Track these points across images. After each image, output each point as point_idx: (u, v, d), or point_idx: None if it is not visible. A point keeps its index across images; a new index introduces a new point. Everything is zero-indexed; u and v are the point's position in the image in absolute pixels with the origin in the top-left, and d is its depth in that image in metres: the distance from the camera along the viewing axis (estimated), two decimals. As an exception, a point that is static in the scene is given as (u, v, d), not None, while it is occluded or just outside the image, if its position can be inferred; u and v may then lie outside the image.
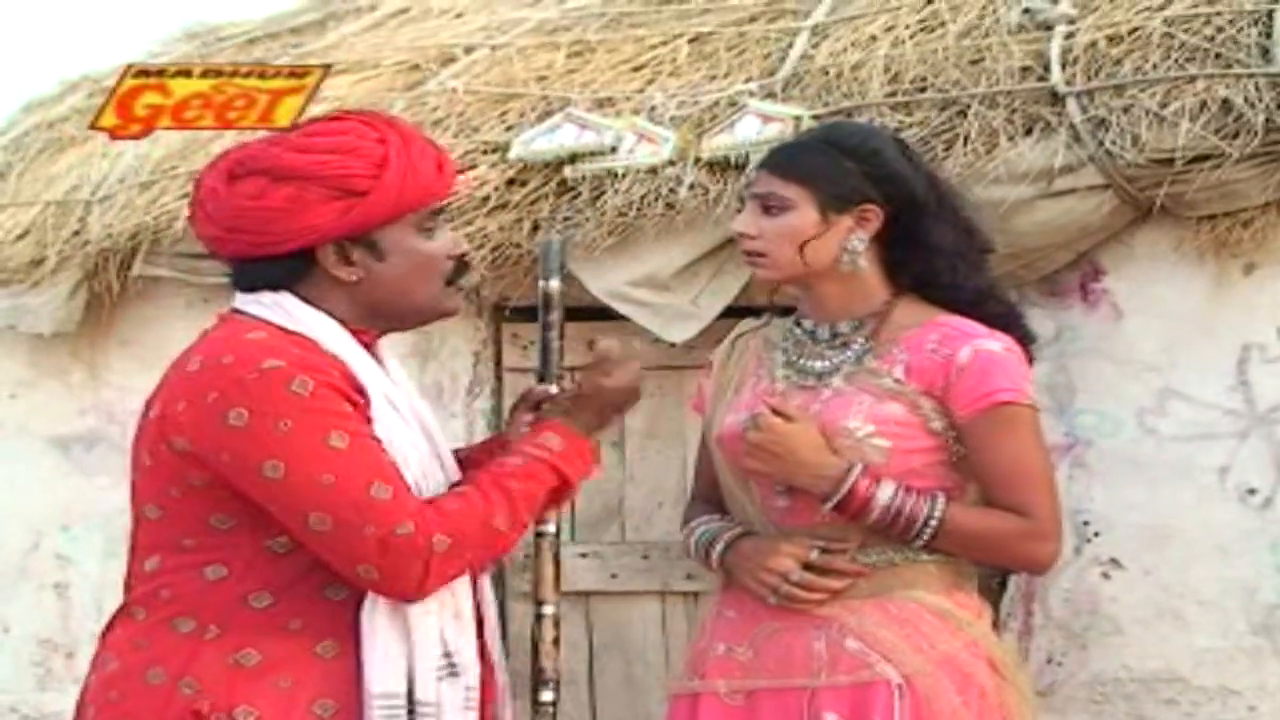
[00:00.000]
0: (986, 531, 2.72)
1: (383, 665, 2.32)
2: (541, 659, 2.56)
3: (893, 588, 2.72)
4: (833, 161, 2.74)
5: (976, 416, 2.69)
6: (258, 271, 2.41)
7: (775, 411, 2.69)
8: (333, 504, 2.25)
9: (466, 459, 2.59)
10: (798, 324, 2.84)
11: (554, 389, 2.62)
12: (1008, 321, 2.81)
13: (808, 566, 2.70)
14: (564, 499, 2.49)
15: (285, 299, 2.39)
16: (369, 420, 2.34)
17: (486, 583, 2.53)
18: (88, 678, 2.43)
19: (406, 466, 2.35)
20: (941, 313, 2.76)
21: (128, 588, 2.43)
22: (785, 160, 2.78)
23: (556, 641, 2.58)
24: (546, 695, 2.56)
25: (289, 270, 2.39)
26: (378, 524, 2.25)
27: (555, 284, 2.66)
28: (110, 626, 2.43)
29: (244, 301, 2.43)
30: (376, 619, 2.32)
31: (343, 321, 2.40)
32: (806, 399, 2.74)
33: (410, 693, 2.34)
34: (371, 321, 2.44)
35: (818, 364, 2.78)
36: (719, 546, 2.78)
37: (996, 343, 2.74)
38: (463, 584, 2.41)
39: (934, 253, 2.77)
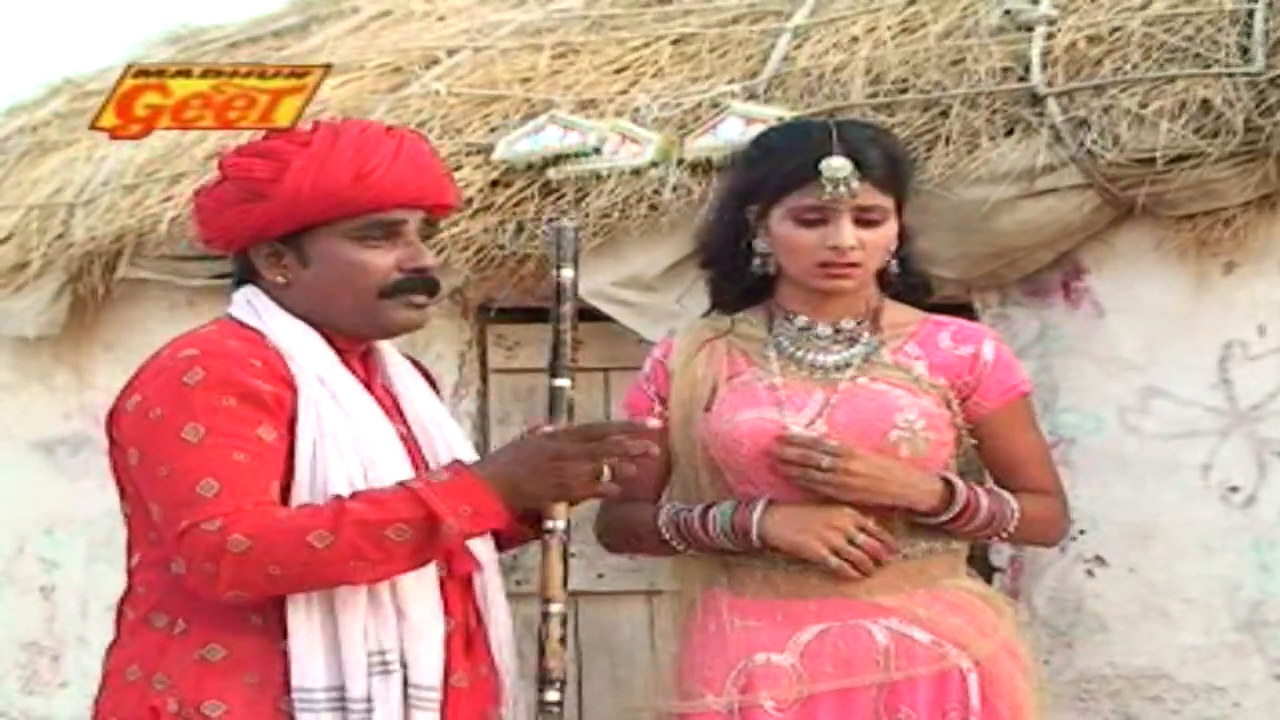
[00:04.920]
0: (1042, 515, 2.82)
1: (303, 660, 2.32)
2: (548, 658, 2.47)
3: (936, 577, 2.73)
4: (898, 166, 2.76)
5: (1003, 408, 2.76)
6: (235, 266, 2.52)
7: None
8: (162, 495, 2.28)
9: None
10: (787, 319, 2.81)
11: (564, 382, 2.50)
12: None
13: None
14: (449, 539, 2.31)
15: (257, 297, 2.45)
16: (289, 410, 2.33)
17: (490, 583, 2.50)
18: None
19: (338, 451, 2.33)
20: (922, 312, 2.80)
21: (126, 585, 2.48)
22: (880, 170, 2.70)
23: (563, 640, 2.49)
24: (552, 695, 2.47)
25: (241, 267, 2.49)
26: (190, 518, 2.24)
27: (568, 273, 2.53)
28: (115, 625, 2.48)
29: (233, 299, 2.51)
30: (299, 613, 2.33)
31: (316, 324, 2.43)
32: (826, 393, 2.73)
33: (342, 688, 2.34)
34: (327, 326, 2.45)
35: (828, 358, 2.76)
36: (757, 510, 2.68)
37: (996, 336, 2.86)
38: (416, 585, 2.36)
39: (906, 240, 2.82)
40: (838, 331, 2.77)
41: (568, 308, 2.53)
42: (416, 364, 2.71)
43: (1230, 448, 3.42)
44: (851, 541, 2.65)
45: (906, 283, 2.82)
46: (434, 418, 2.54)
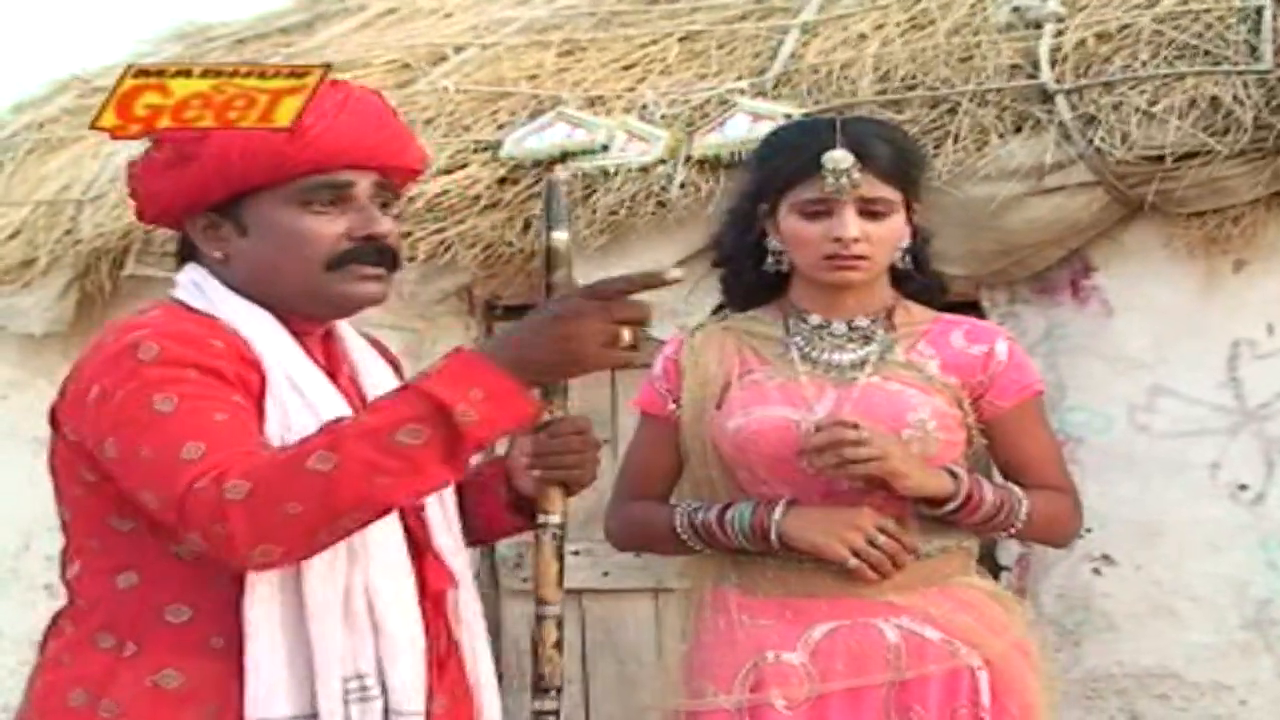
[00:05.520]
0: (1055, 512, 2.78)
1: (266, 686, 2.05)
2: (542, 664, 2.27)
3: (948, 575, 2.72)
4: (906, 160, 2.74)
5: (1017, 407, 2.74)
6: (177, 243, 2.28)
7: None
8: (151, 477, 2.00)
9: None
10: (800, 318, 2.80)
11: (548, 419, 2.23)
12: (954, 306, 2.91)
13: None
14: (473, 433, 1.97)
15: (204, 279, 2.20)
16: (249, 396, 2.08)
17: (465, 599, 2.28)
18: (24, 695, 2.23)
19: None
20: (935, 311, 2.79)
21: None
22: (884, 162, 2.69)
23: (559, 645, 2.29)
24: (547, 704, 2.29)
25: (183, 244, 2.25)
26: (183, 484, 1.95)
27: (560, 235, 2.24)
28: (45, 640, 2.24)
29: (177, 282, 2.26)
30: (259, 631, 2.05)
31: (266, 305, 2.17)
32: (843, 392, 2.72)
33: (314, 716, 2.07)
34: (277, 304, 2.18)
35: (844, 357, 2.75)
36: (777, 511, 2.65)
37: (1008, 335, 2.83)
38: (395, 599, 2.13)
39: (924, 241, 2.81)
40: (852, 330, 2.76)
41: (562, 274, 2.22)
42: (378, 345, 2.46)
43: (1238, 446, 3.42)
44: (872, 543, 2.64)
45: (920, 281, 2.81)
46: None
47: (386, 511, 2.03)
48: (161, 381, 2.02)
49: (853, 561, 2.64)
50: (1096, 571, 3.48)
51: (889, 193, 2.69)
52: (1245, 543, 3.41)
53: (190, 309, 2.17)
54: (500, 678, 3.99)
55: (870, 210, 2.68)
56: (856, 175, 2.67)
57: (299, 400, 2.12)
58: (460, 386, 1.96)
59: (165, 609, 2.09)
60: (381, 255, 2.19)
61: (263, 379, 2.10)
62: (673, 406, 2.83)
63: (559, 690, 2.30)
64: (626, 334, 2.04)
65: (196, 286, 2.20)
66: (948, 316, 2.80)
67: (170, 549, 2.07)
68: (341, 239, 2.16)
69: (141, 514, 2.06)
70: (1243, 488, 3.42)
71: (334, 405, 2.15)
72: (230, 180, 2.14)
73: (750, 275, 2.82)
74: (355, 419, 2.00)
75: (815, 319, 2.77)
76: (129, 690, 2.07)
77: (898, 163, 2.71)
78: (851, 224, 2.68)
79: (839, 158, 2.67)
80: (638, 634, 3.87)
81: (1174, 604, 3.44)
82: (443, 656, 2.23)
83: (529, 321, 2.05)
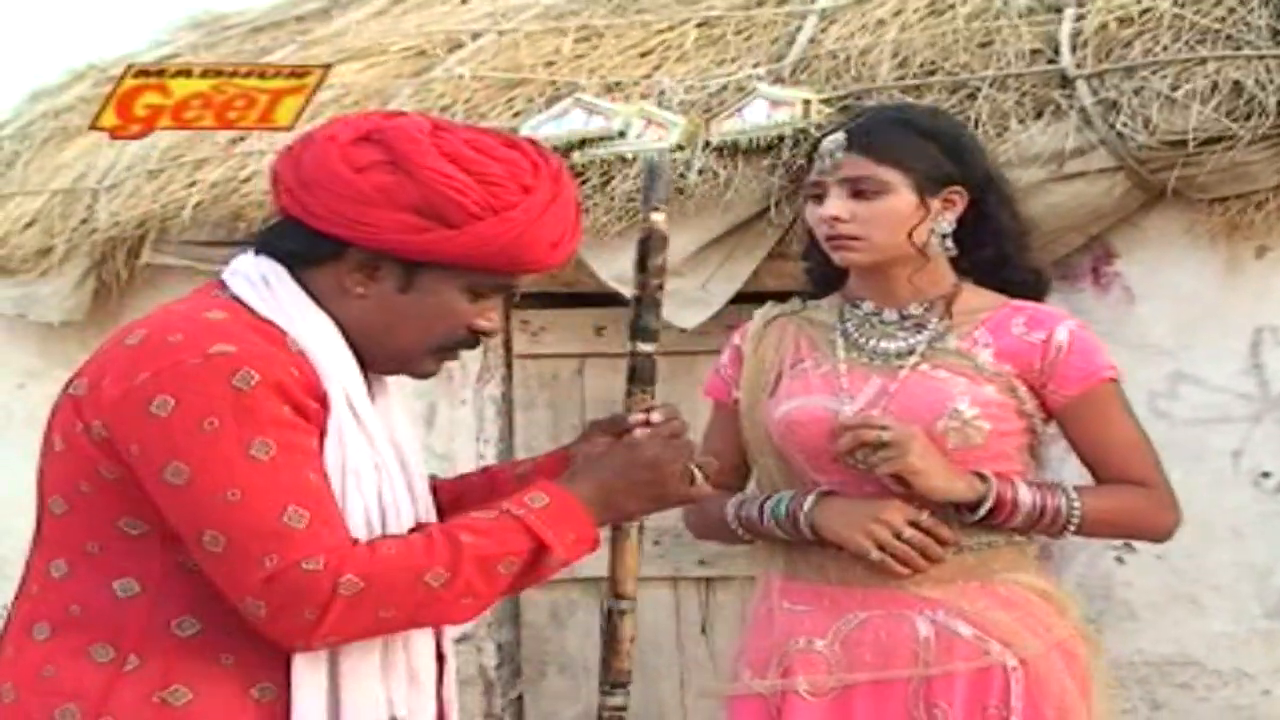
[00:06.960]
0: (1121, 510, 2.67)
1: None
2: (622, 659, 2.22)
3: (994, 570, 2.66)
4: (921, 143, 2.69)
5: (1084, 395, 2.65)
6: (284, 233, 2.06)
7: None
8: (232, 524, 1.90)
9: (461, 487, 2.30)
10: (854, 306, 2.77)
11: (650, 347, 2.17)
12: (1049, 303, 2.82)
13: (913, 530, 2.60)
14: (547, 570, 2.02)
15: (279, 279, 2.04)
16: (320, 432, 1.99)
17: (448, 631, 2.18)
18: None
19: (358, 485, 2.01)
20: (1004, 297, 2.73)
21: (24, 595, 2.06)
22: (877, 143, 2.65)
23: (633, 639, 2.25)
24: (618, 699, 2.25)
25: (310, 248, 2.04)
26: (282, 554, 1.88)
27: (660, 216, 2.15)
28: (0, 647, 2.05)
29: (230, 272, 2.08)
30: (306, 666, 1.98)
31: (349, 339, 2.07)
32: (886, 381, 2.69)
33: None
34: (358, 346, 2.07)
35: (891, 345, 2.71)
36: (808, 501, 2.63)
37: (1075, 322, 2.71)
38: (423, 639, 2.09)
39: (1004, 237, 2.75)
40: (904, 318, 2.72)
41: (661, 259, 2.14)
42: None
43: (1261, 433, 3.40)
44: (899, 536, 2.61)
45: (1018, 277, 2.75)
46: (414, 444, 2.20)
47: (441, 624, 2.08)
48: (263, 420, 1.92)
49: (875, 554, 2.60)
50: (1119, 560, 3.47)
51: (881, 172, 2.65)
52: (1267, 530, 3.40)
53: (254, 313, 2.01)
54: (521, 666, 4.02)
55: (858, 190, 2.66)
56: (840, 156, 2.65)
57: (357, 429, 2.03)
58: (563, 531, 2.02)
59: (172, 621, 1.97)
60: (473, 345, 2.15)
61: (326, 413, 2.00)
62: (736, 393, 2.81)
63: (628, 686, 2.27)
64: (698, 472, 2.12)
65: (266, 285, 2.04)
66: (1015, 302, 2.71)
67: (178, 559, 1.96)
68: (463, 327, 2.10)
69: (155, 521, 1.95)
70: (1265, 475, 3.40)
71: (384, 438, 2.08)
72: (463, 259, 2.03)
73: (818, 263, 2.81)
74: (471, 539, 1.98)
75: (868, 306, 2.73)
76: (132, 708, 1.94)
77: (898, 144, 2.67)
78: (833, 204, 2.66)
79: (829, 139, 2.68)
80: (656, 621, 3.86)
81: (1195, 592, 3.43)
82: (438, 673, 2.18)
83: (621, 466, 2.10)
